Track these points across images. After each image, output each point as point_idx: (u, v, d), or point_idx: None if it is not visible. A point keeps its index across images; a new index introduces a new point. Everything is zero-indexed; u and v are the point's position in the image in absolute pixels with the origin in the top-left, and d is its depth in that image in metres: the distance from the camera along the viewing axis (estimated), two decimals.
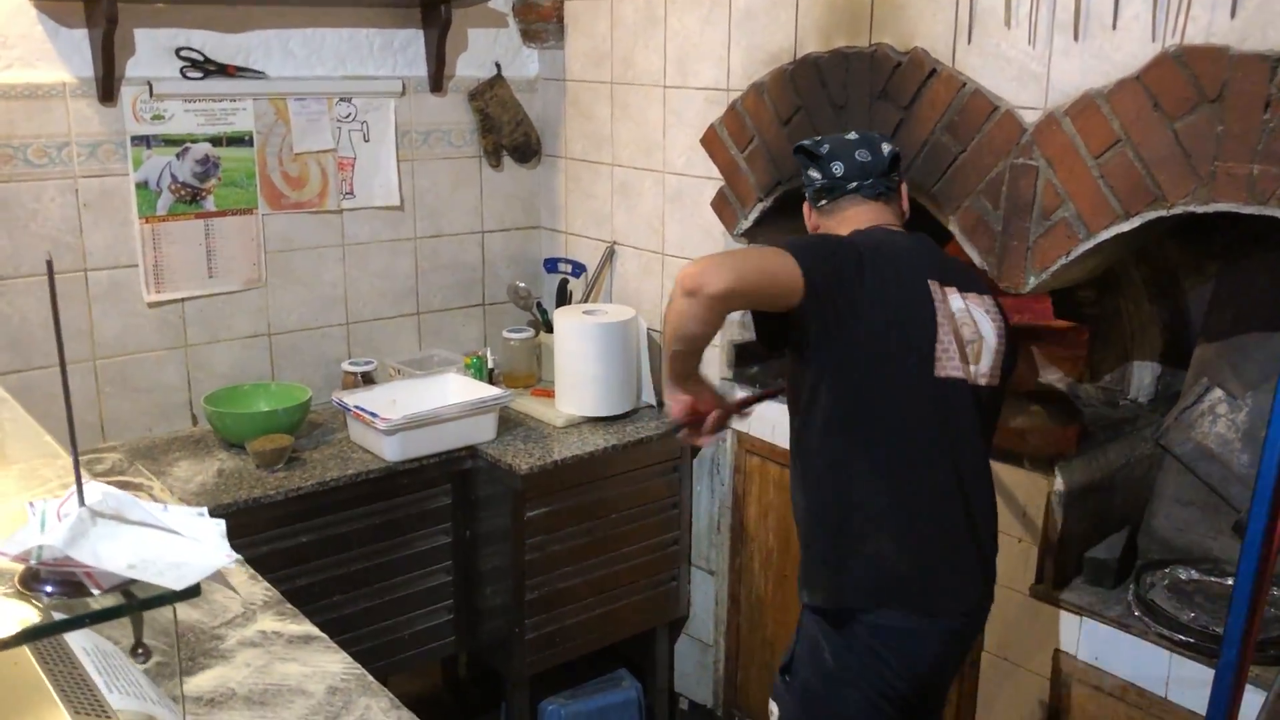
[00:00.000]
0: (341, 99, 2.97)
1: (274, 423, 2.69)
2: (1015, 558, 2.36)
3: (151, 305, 2.77)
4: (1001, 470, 2.34)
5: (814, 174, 2.02)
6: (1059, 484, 2.28)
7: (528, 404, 3.03)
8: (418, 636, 2.85)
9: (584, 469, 2.80)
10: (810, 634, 1.97)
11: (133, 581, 0.97)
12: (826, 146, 2.01)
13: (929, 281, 1.87)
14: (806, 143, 2.05)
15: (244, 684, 1.73)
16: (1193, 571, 2.32)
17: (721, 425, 2.03)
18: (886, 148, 2.01)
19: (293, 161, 2.92)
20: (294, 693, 1.71)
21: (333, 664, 1.80)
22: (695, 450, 3.05)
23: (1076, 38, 2.09)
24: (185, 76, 2.72)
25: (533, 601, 2.80)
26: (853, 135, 2.03)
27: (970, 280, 1.97)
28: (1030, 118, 2.17)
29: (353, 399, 2.75)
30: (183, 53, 2.71)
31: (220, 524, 1.03)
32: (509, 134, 3.28)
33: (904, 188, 2.07)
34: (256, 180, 2.87)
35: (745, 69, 2.72)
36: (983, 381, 1.90)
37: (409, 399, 2.81)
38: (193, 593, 0.95)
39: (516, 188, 3.39)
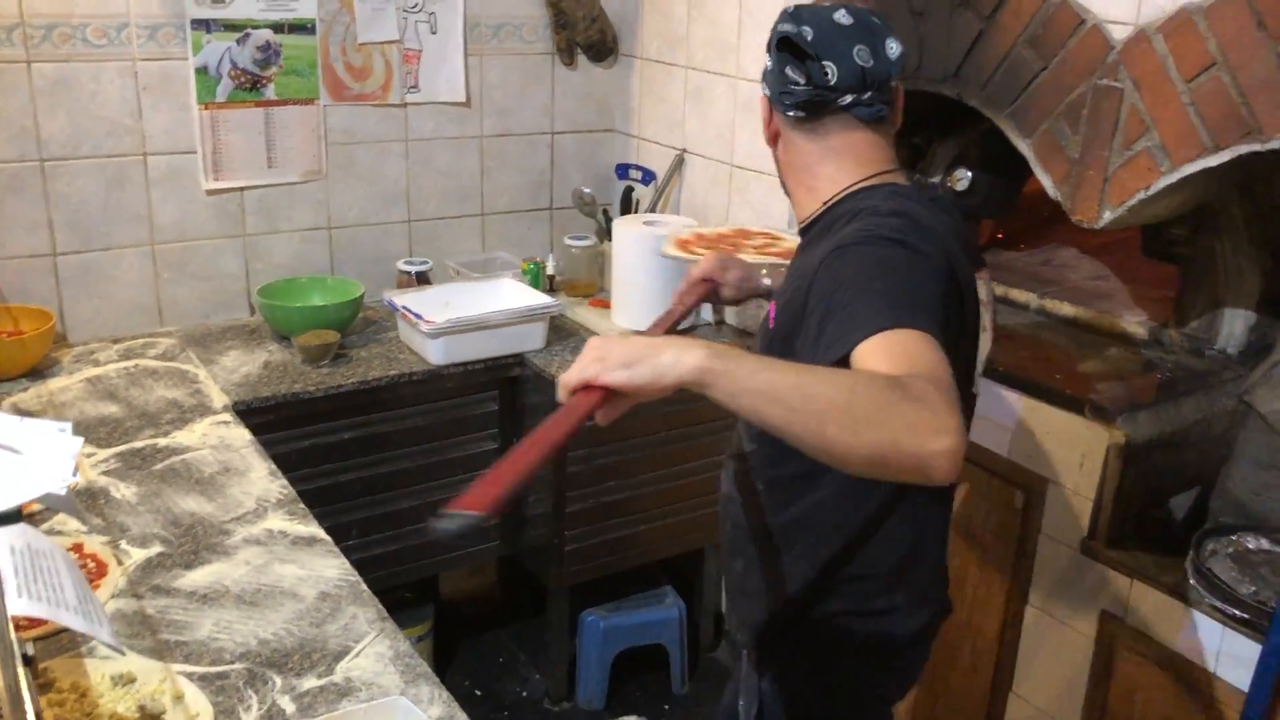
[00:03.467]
0: None
1: (324, 318, 2.68)
2: (1069, 510, 2.22)
3: (210, 193, 2.76)
4: (1060, 417, 2.18)
5: (794, 75, 1.48)
6: (1119, 436, 2.11)
7: (583, 314, 2.96)
8: (463, 538, 2.84)
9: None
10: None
11: None
12: (811, 33, 1.45)
13: (977, 282, 1.48)
14: (787, 27, 1.47)
15: (239, 582, 1.73)
16: (1263, 540, 2.14)
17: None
18: (894, 46, 1.48)
19: (356, 52, 2.85)
20: (285, 595, 1.70)
21: (330, 569, 1.79)
22: None
23: None
24: None
25: (575, 514, 2.76)
26: (844, 17, 1.47)
27: (977, 251, 1.59)
28: (1119, 34, 1.96)
29: (402, 299, 2.72)
30: None
31: (76, 443, 0.99)
32: (584, 30, 3.14)
33: (900, 95, 1.56)
34: (319, 70, 2.81)
35: None
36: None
37: (461, 302, 2.77)
38: (11, 518, 0.89)
39: (590, 88, 3.27)
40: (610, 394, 1.15)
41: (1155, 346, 2.41)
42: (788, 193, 1.61)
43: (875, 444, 1.06)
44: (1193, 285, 2.39)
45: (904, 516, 1.56)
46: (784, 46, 1.49)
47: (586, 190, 3.15)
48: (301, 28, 2.76)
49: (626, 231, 2.85)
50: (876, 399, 1.07)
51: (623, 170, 3.30)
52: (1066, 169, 2.07)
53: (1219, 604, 1.95)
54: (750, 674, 1.70)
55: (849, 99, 1.46)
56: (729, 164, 2.93)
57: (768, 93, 1.55)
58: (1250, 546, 2.12)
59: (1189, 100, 1.86)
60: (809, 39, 1.45)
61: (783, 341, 1.47)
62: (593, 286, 3.12)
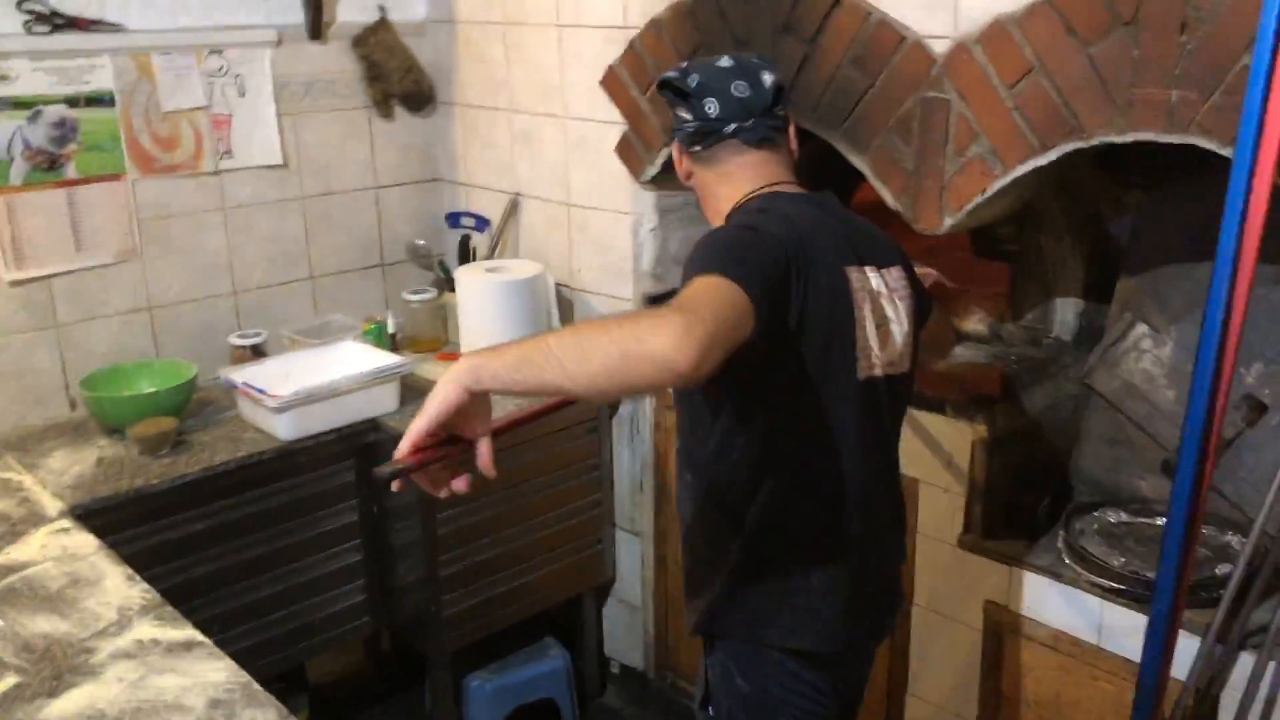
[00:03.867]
0: (212, 51, 2.74)
1: (157, 404, 2.51)
2: (942, 508, 2.28)
3: (14, 284, 2.55)
4: (925, 419, 2.25)
5: (684, 114, 1.67)
6: (982, 431, 2.19)
7: (433, 370, 2.87)
8: (332, 619, 2.71)
9: (497, 436, 2.66)
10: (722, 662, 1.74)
11: None
12: (696, 79, 1.64)
13: (846, 269, 1.58)
14: (671, 74, 1.68)
15: (115, 703, 1.58)
16: (1121, 514, 2.26)
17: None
18: (768, 77, 1.65)
19: (162, 121, 2.70)
20: (172, 709, 1.56)
21: (215, 672, 1.65)
22: (614, 408, 2.92)
23: None
24: (30, 32, 2.48)
25: (450, 577, 2.67)
26: (726, 62, 1.66)
27: (881, 249, 1.69)
28: (940, 47, 2.05)
29: (240, 375, 2.57)
30: (25, 5, 2.47)
31: None
32: (399, 81, 3.08)
33: (791, 125, 1.73)
34: (123, 143, 2.65)
35: (643, 5, 2.55)
36: (894, 371, 1.65)
37: (304, 371, 2.64)
38: None
39: (412, 138, 3.20)
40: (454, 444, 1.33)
41: (996, 341, 2.53)
42: (709, 221, 1.73)
43: (604, 359, 1.22)
44: (1024, 280, 2.52)
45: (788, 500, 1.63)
46: (669, 90, 1.68)
47: (420, 242, 3.08)
48: (99, 100, 2.59)
49: (470, 280, 2.80)
50: (601, 327, 1.25)
51: (454, 219, 3.24)
52: (904, 180, 2.14)
53: (1096, 579, 2.04)
54: (701, 661, 1.79)
55: (732, 127, 1.64)
56: (565, 203, 2.91)
57: (674, 137, 1.72)
58: (1112, 520, 2.24)
59: (1013, 105, 1.96)
60: (692, 84, 1.64)
61: None
62: (438, 340, 3.04)
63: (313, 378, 2.57)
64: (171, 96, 2.69)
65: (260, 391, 2.47)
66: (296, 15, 2.89)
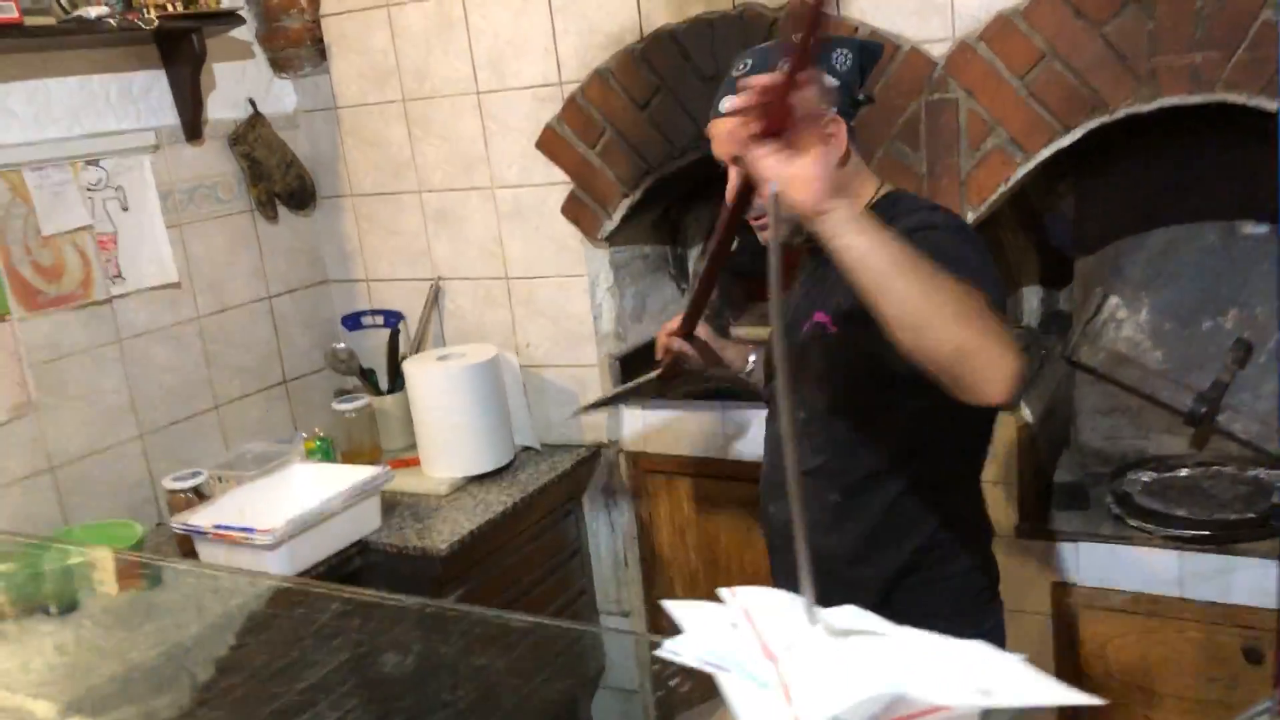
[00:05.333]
0: (88, 162, 2.39)
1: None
2: (989, 501, 2.28)
3: None
4: None
5: (832, 79, 1.52)
6: (1025, 418, 2.23)
7: (393, 481, 2.59)
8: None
9: (495, 535, 2.43)
10: None
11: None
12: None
13: None
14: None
15: None
16: (1143, 474, 2.36)
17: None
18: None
19: (43, 248, 2.31)
20: None
21: None
22: (583, 486, 2.75)
23: None
24: None
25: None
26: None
27: None
28: (939, 51, 2.10)
29: (202, 519, 2.21)
30: None
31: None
32: (281, 179, 2.80)
33: None
34: (3, 277, 2.24)
35: (580, 57, 2.46)
36: None
37: (266, 504, 2.30)
38: None
39: (297, 240, 2.91)
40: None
41: None
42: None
43: (958, 332, 1.18)
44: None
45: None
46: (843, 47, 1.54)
47: (341, 345, 2.79)
48: None
49: (422, 372, 2.56)
50: (977, 309, 1.20)
51: (352, 321, 2.96)
52: (916, 184, 2.17)
53: (1175, 532, 2.11)
54: None
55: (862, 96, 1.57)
56: (503, 278, 2.73)
57: (836, 110, 1.51)
58: (1147, 480, 2.33)
59: (1027, 94, 2.03)
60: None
61: (852, 334, 1.48)
62: (376, 451, 2.75)
63: (285, 508, 2.25)
64: (51, 217, 2.31)
65: (244, 531, 2.13)
66: (168, 116, 2.57)
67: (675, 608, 0.80)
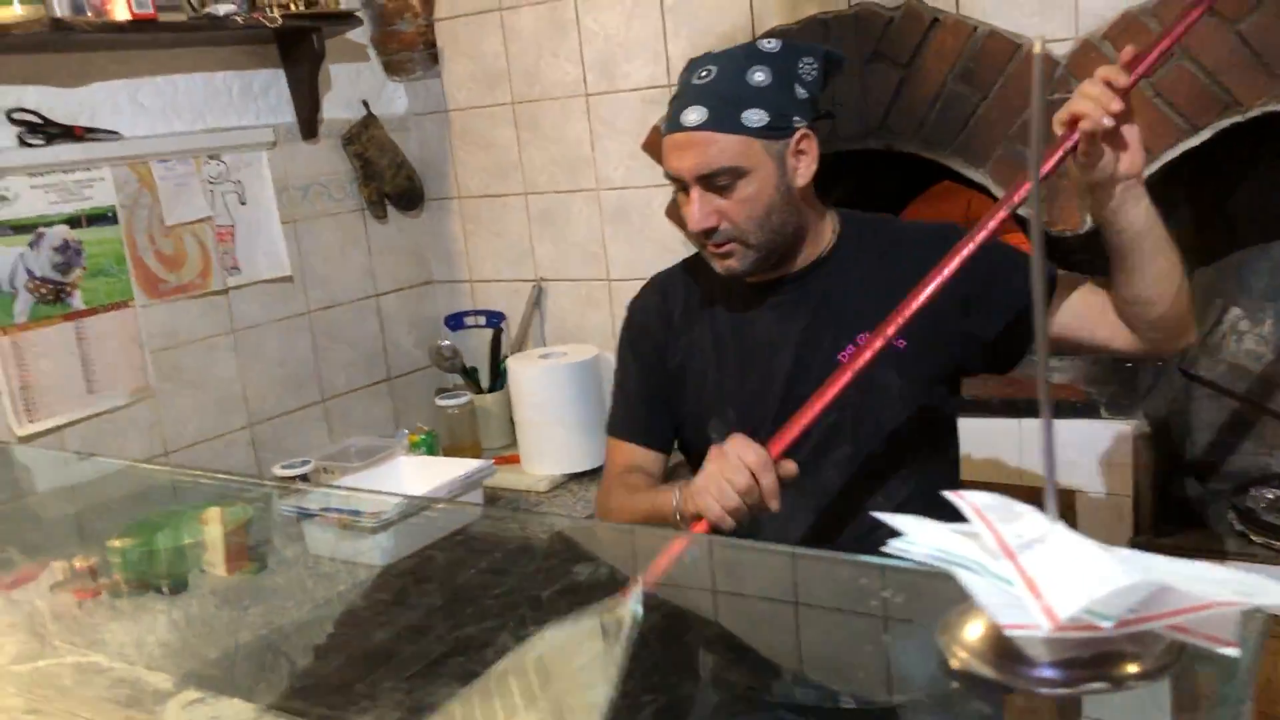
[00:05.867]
0: (210, 156, 2.46)
1: None
2: (1102, 515, 2.23)
3: (24, 439, 2.14)
4: (1075, 424, 2.20)
5: (800, 91, 1.51)
6: (1145, 426, 2.17)
7: (495, 476, 2.61)
8: None
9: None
10: None
11: None
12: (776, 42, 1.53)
13: None
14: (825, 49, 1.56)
15: None
16: (1266, 491, 2.27)
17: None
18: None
19: (166, 237, 2.38)
20: None
21: None
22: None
23: None
24: (24, 143, 2.14)
25: None
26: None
27: None
28: (1061, 50, 2.07)
29: (311, 502, 2.24)
30: (15, 115, 2.14)
31: None
32: (391, 179, 2.85)
33: None
34: (128, 264, 2.31)
35: (685, 60, 2.46)
36: None
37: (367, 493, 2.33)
38: None
39: (405, 240, 2.96)
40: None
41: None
42: (791, 238, 1.55)
43: (1187, 305, 1.45)
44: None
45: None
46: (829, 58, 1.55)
47: (445, 343, 2.82)
48: (101, 217, 2.26)
49: (525, 370, 2.57)
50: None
51: (456, 320, 3.00)
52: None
53: None
54: None
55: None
56: (605, 279, 2.74)
57: (806, 123, 1.49)
58: (1271, 497, 2.24)
59: (1153, 93, 1.98)
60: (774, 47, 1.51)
61: (926, 347, 1.51)
62: (477, 447, 2.77)
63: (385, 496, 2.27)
64: (174, 208, 2.38)
65: (353, 513, 2.15)
66: (286, 114, 2.64)
67: (888, 518, 0.78)
